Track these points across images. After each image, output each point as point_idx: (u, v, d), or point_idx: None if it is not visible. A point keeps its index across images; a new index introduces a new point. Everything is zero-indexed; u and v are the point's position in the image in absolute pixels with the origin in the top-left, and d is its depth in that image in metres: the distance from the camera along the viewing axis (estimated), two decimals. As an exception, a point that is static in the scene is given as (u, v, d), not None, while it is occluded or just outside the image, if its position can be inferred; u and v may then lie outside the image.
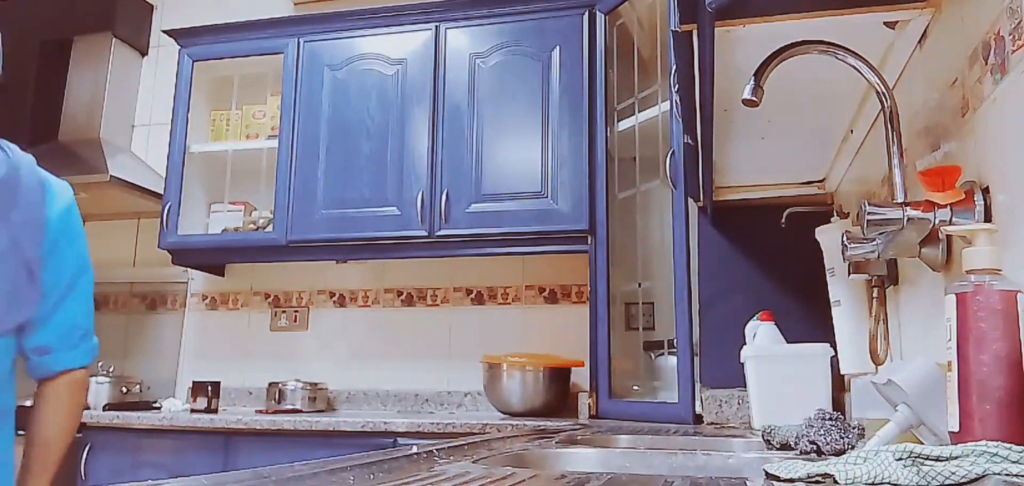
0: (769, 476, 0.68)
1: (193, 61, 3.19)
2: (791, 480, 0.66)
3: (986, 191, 0.97)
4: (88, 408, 2.79)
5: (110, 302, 3.47)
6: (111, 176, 3.02)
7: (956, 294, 0.78)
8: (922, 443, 0.78)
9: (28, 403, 1.43)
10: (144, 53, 3.69)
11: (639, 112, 2.56)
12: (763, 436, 1.33)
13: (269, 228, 3.00)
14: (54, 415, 1.41)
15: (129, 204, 3.31)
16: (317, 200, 2.91)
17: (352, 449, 2.19)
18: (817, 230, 1.75)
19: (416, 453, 0.99)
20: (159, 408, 2.88)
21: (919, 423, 0.94)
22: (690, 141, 1.66)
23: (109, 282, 3.45)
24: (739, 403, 2.16)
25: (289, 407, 2.91)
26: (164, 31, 3.31)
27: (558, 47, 2.79)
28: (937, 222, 1.00)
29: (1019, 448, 0.65)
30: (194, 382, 2.84)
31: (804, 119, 1.62)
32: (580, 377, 2.74)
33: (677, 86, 1.48)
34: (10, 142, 1.38)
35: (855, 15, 1.13)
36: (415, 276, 3.19)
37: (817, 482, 0.64)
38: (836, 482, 0.62)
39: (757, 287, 2.22)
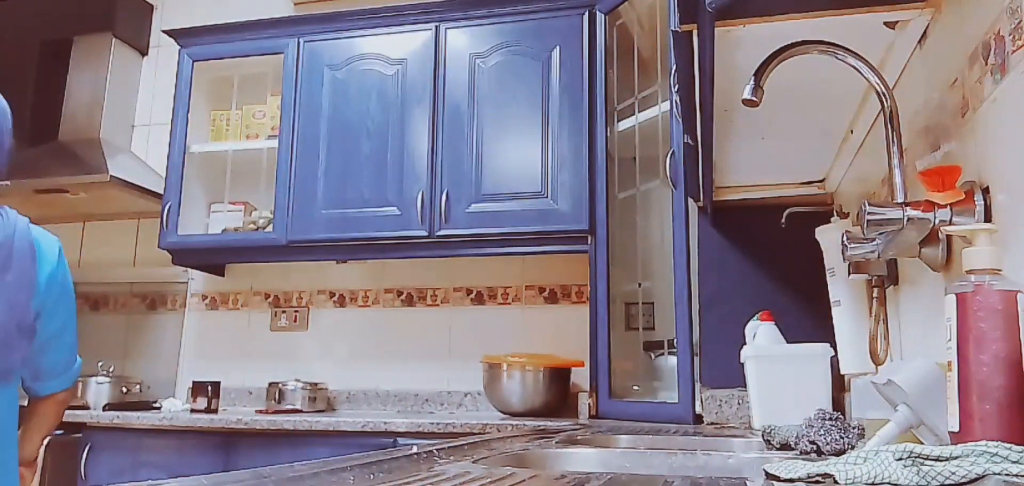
0: (769, 476, 0.68)
1: (193, 61, 3.18)
2: (791, 480, 0.66)
3: (986, 191, 0.97)
4: (87, 408, 2.79)
5: (110, 302, 3.47)
6: (111, 176, 3.02)
7: (956, 294, 0.78)
8: (922, 443, 0.78)
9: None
10: (144, 53, 3.69)
11: (639, 112, 2.56)
12: (763, 436, 1.33)
13: (269, 228, 3.00)
14: (40, 422, 1.66)
15: (129, 204, 3.31)
16: (317, 200, 2.91)
17: (352, 449, 2.19)
18: (817, 230, 1.75)
19: (416, 453, 0.99)
20: (159, 408, 2.88)
21: (919, 423, 0.94)
22: (690, 141, 1.66)
23: (109, 282, 3.45)
24: (739, 403, 2.16)
25: (289, 407, 2.91)
26: (164, 31, 3.31)
27: (558, 47, 2.78)
28: (937, 222, 1.00)
29: (1019, 448, 0.65)
30: (194, 382, 2.84)
31: (804, 119, 1.62)
32: (580, 377, 2.74)
33: (677, 86, 1.48)
34: (9, 208, 1.51)
35: (855, 15, 1.13)
36: (415, 276, 3.19)
37: (817, 482, 0.64)
38: (836, 482, 0.62)
39: (757, 287, 2.22)
